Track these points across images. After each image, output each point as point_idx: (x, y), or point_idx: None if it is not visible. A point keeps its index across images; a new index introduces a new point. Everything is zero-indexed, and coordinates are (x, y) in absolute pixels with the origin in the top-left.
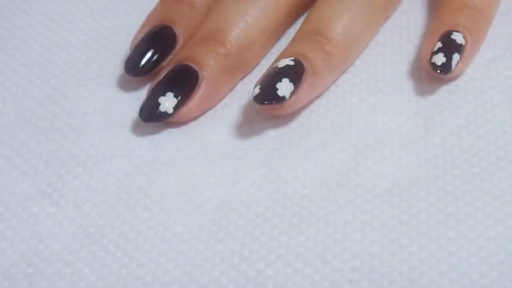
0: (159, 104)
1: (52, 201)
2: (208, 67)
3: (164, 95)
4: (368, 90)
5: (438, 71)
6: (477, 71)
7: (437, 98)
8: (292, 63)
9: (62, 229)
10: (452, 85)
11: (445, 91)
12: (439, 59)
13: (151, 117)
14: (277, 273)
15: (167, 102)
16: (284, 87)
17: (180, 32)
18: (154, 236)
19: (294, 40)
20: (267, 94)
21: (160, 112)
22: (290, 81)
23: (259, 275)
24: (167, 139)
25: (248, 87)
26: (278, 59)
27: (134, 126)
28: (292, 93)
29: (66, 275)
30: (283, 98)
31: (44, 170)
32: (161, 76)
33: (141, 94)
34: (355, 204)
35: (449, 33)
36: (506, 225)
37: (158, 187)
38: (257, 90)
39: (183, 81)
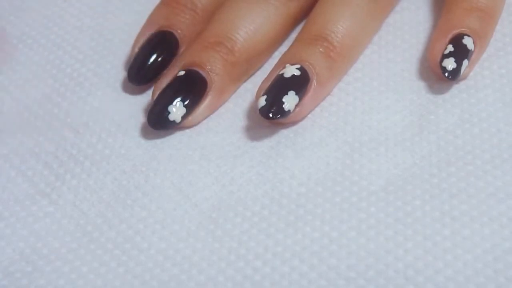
0: (169, 112)
1: (50, 200)
2: (217, 76)
3: (172, 102)
4: (363, 89)
5: (447, 76)
6: None
7: (431, 96)
8: (298, 72)
9: (60, 227)
10: (446, 84)
11: (439, 90)
12: (450, 64)
13: (160, 124)
14: (274, 271)
15: (177, 111)
16: (290, 101)
17: (182, 37)
18: (151, 235)
19: (298, 42)
20: (273, 109)
21: (169, 120)
22: (296, 93)
23: (256, 273)
24: (164, 138)
25: (245, 86)
26: (282, 63)
27: (131, 125)
28: (296, 105)
29: (64, 273)
30: (288, 112)
31: (42, 170)
32: (168, 80)
33: (139, 93)
34: (351, 202)
35: (461, 36)
36: (500, 223)
37: (155, 185)
38: (263, 102)
39: (191, 88)
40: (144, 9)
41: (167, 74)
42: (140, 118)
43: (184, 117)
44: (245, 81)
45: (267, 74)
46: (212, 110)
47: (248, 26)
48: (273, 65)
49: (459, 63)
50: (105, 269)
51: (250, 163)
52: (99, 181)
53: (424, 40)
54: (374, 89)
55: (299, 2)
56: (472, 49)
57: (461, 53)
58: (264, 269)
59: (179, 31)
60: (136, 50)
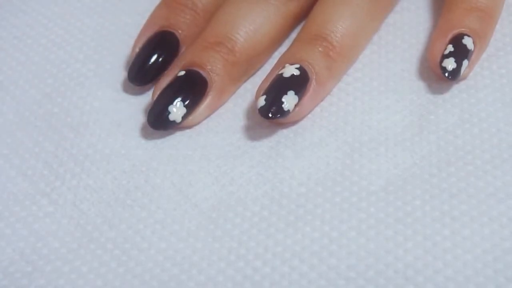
0: (169, 112)
1: (50, 200)
2: (217, 76)
3: (173, 102)
4: (363, 89)
5: (447, 76)
6: None
7: (431, 96)
8: (297, 72)
9: (60, 227)
10: (446, 84)
11: (439, 90)
12: (450, 64)
13: (160, 124)
14: (274, 271)
15: (177, 111)
16: (290, 101)
17: (182, 37)
18: (151, 235)
19: (298, 42)
20: (273, 108)
21: (169, 120)
22: (296, 93)
23: (256, 273)
24: (164, 138)
25: (245, 86)
26: (282, 63)
27: (131, 125)
28: (296, 105)
29: (64, 273)
30: (288, 111)
31: (42, 169)
32: (168, 80)
33: (139, 93)
34: (351, 202)
35: (461, 36)
36: (500, 223)
37: (155, 185)
38: (262, 102)
39: (192, 88)
40: (144, 9)
41: (167, 74)
42: (140, 118)
43: (184, 117)
44: (245, 81)
45: (267, 74)
46: (212, 110)
47: (248, 26)
48: (273, 65)
49: (459, 63)
50: (105, 269)
51: (250, 163)
52: (99, 181)
53: (424, 40)
54: (374, 89)
55: (299, 2)
56: (472, 49)
57: (461, 53)
58: (264, 269)
59: (180, 31)
60: (137, 50)
